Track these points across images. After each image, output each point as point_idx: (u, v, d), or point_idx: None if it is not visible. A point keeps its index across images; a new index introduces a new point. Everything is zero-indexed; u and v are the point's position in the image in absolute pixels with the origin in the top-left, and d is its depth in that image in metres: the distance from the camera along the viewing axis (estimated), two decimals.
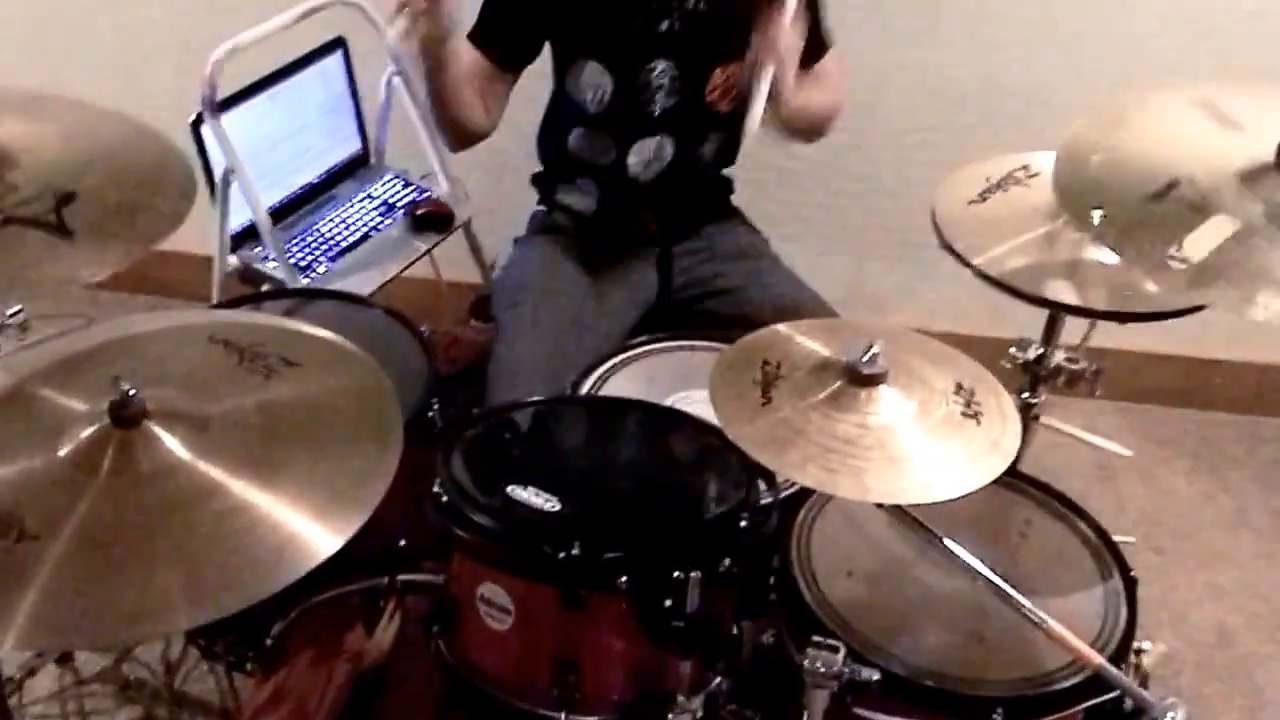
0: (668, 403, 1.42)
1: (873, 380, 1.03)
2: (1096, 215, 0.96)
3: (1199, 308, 1.31)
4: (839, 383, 1.04)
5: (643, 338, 1.60)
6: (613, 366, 1.53)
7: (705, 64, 1.68)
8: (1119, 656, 1.15)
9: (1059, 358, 1.49)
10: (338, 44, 1.94)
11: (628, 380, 1.51)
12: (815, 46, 1.72)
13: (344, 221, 1.95)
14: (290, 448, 1.09)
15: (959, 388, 1.07)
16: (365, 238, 1.93)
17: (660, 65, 1.67)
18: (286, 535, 1.00)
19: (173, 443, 1.05)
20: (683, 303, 1.80)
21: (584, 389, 1.48)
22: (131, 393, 1.06)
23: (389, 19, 1.47)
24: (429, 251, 1.97)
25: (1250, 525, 2.21)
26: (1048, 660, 1.16)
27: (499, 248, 2.14)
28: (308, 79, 1.90)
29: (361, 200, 2.01)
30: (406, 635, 1.35)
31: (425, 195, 2.02)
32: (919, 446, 1.02)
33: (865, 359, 1.02)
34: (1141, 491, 2.28)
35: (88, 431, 1.05)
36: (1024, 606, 1.05)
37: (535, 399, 1.35)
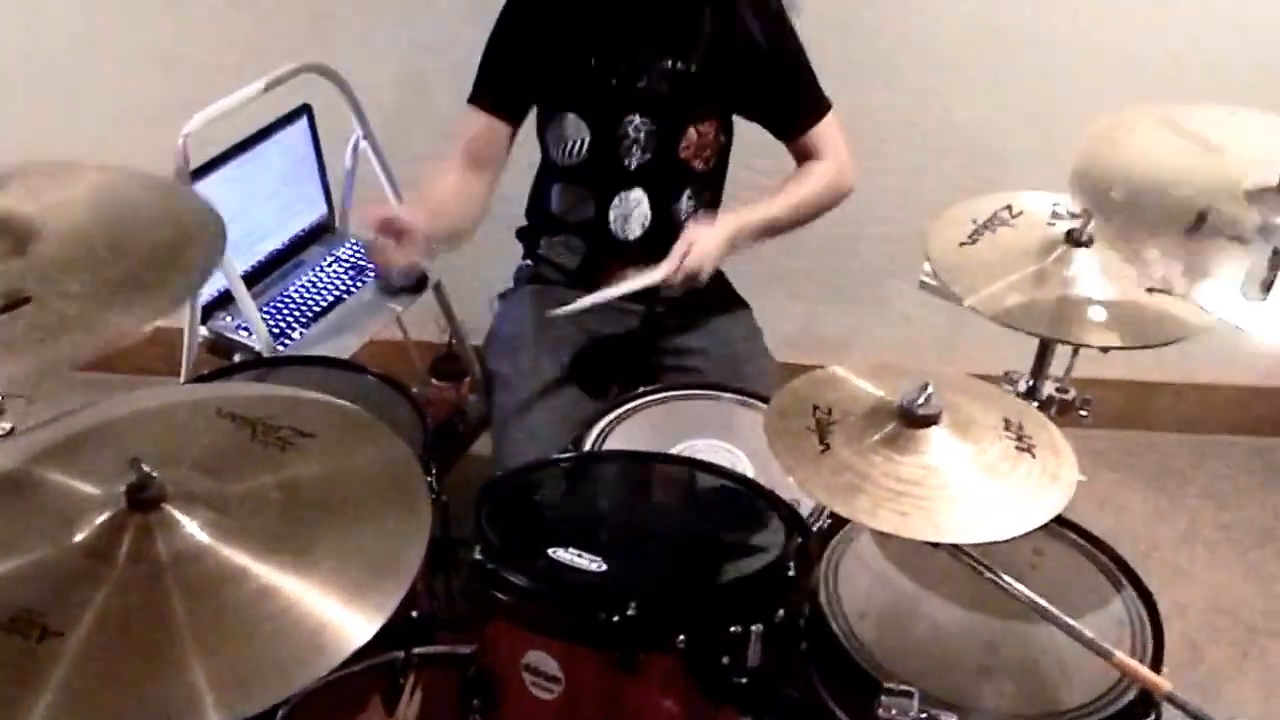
0: (674, 453, 1.42)
1: (927, 421, 1.05)
2: (1152, 253, 1.00)
3: (1192, 335, 1.38)
4: (893, 424, 1.06)
5: (638, 390, 1.59)
6: (613, 420, 1.53)
7: (680, 122, 1.71)
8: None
9: (1049, 388, 1.53)
10: (303, 110, 1.92)
11: (631, 433, 1.50)
12: (812, 107, 1.76)
13: (314, 286, 1.92)
14: (316, 525, 1.04)
15: (1007, 423, 1.09)
16: (337, 302, 1.90)
17: (636, 120, 1.69)
18: (322, 618, 0.94)
19: (193, 526, 0.99)
20: (662, 363, 1.80)
21: (588, 444, 1.47)
22: (152, 474, 1.01)
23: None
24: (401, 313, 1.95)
25: (1204, 541, 2.30)
26: (1062, 687, 1.19)
27: (466, 304, 2.13)
28: (274, 146, 1.88)
29: (330, 264, 1.98)
30: (431, 712, 1.30)
31: None
32: (983, 484, 1.04)
33: (920, 400, 1.04)
34: (1098, 515, 2.34)
35: (103, 517, 0.99)
36: (1091, 640, 1.06)
37: (555, 457, 1.33)
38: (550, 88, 1.70)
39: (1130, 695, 1.18)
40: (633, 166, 1.72)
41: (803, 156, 1.80)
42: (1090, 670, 1.19)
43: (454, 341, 2.20)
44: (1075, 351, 1.53)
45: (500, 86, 1.70)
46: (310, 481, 1.09)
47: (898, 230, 2.36)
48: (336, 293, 1.91)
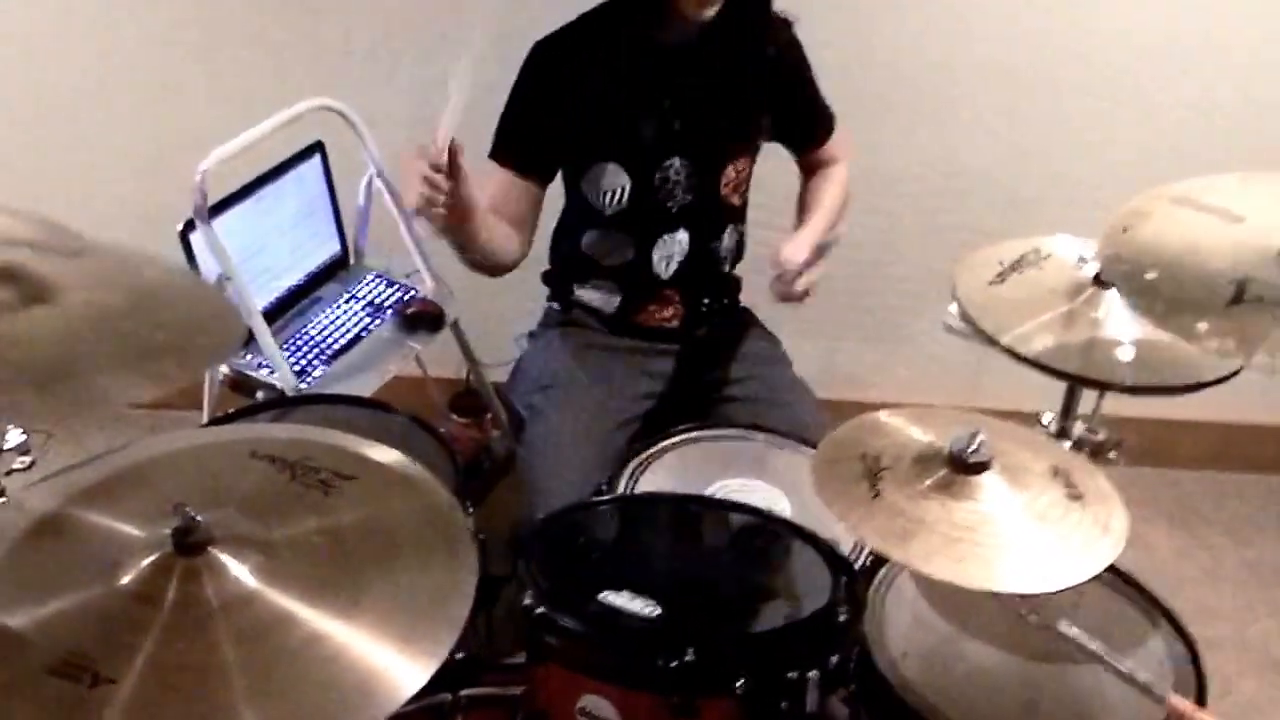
0: (708, 493, 1.41)
1: (979, 468, 1.04)
2: (1202, 326, 0.99)
3: (1224, 378, 1.39)
4: (944, 471, 1.05)
5: (672, 429, 1.59)
6: (645, 460, 1.52)
7: (719, 160, 1.71)
8: None
9: (1079, 429, 1.53)
10: (316, 148, 1.92)
11: (664, 473, 1.49)
12: (824, 122, 1.82)
13: (333, 324, 1.91)
14: (363, 570, 1.02)
15: (1055, 471, 1.08)
16: (357, 339, 1.89)
17: (676, 162, 1.68)
18: (372, 665, 0.93)
19: (240, 570, 0.98)
20: (699, 400, 1.80)
21: (621, 483, 1.46)
22: (198, 518, 1.00)
23: (413, 209, 1.47)
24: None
25: (1229, 578, 2.30)
26: None
27: (483, 341, 2.13)
28: (288, 183, 1.87)
29: (347, 301, 1.97)
30: None
31: (412, 294, 2.00)
32: (1037, 533, 1.03)
33: (972, 447, 1.03)
34: (1124, 552, 2.33)
35: (148, 560, 0.98)
36: (1146, 685, 1.05)
37: (597, 499, 1.32)
38: (585, 140, 1.68)
39: None
40: (675, 209, 1.71)
41: (814, 165, 1.85)
42: (1134, 710, 1.18)
43: (472, 378, 2.19)
44: (1102, 393, 1.53)
45: (526, 148, 1.68)
46: (355, 525, 1.08)
47: (919, 269, 2.38)
48: (356, 330, 1.90)
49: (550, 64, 1.65)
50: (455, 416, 2.26)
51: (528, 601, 1.08)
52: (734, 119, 1.70)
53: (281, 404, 1.67)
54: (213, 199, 1.69)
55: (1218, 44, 2.14)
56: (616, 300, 1.79)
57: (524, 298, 1.95)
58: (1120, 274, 1.10)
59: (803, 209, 1.81)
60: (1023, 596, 1.11)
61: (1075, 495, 1.05)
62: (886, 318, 2.45)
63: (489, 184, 1.66)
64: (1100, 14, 2.13)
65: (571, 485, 1.54)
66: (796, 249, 1.61)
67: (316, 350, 1.85)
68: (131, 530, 1.02)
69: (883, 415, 1.18)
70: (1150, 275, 1.08)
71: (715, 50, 1.64)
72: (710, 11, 1.58)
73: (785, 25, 1.71)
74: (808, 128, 1.82)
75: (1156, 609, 1.37)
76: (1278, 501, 2.51)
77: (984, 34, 2.16)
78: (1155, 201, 1.21)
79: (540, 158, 1.69)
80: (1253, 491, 2.53)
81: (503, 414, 2.19)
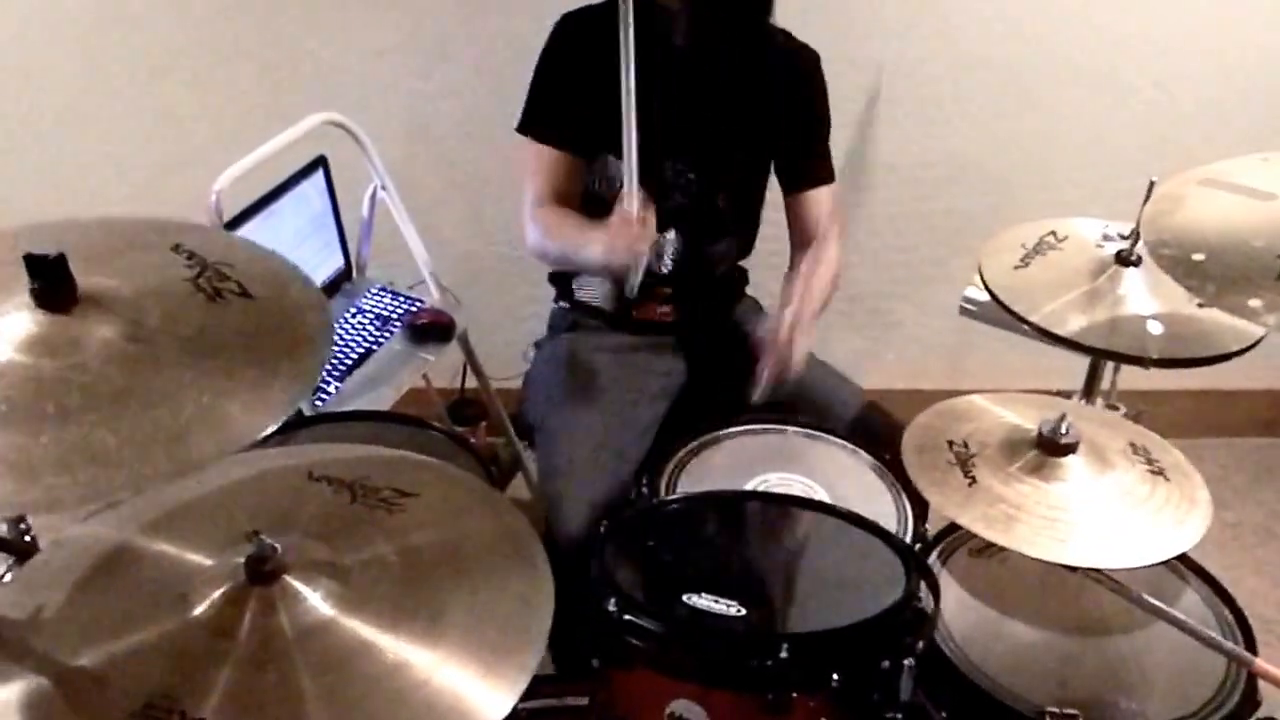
0: (749, 488, 1.42)
1: (1068, 449, 1.06)
2: (1256, 303, 1.01)
3: (1248, 348, 1.43)
4: (1032, 453, 1.07)
5: (702, 426, 1.58)
6: (683, 458, 1.52)
7: (722, 172, 1.71)
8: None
9: (1100, 406, 1.56)
10: (319, 163, 1.89)
11: (700, 474, 1.49)
12: (819, 171, 1.77)
13: (343, 340, 1.88)
14: (440, 590, 1.00)
15: (1134, 447, 1.11)
16: (368, 354, 1.86)
17: (679, 165, 1.68)
18: (459, 691, 0.91)
19: (315, 598, 0.96)
20: (711, 389, 1.80)
21: (662, 482, 1.46)
22: (274, 546, 0.98)
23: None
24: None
25: (1212, 540, 2.33)
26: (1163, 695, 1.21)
27: (485, 348, 2.11)
28: (294, 199, 1.83)
29: (354, 316, 1.94)
30: None
31: (419, 306, 1.97)
32: (1129, 509, 1.05)
33: (1062, 429, 1.05)
34: None
35: (220, 591, 0.95)
36: (1233, 650, 1.08)
37: (661, 500, 1.32)
38: (593, 126, 1.66)
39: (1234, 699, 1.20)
40: (671, 208, 1.70)
41: (797, 215, 1.79)
42: (1171, 675, 1.22)
43: (468, 387, 2.17)
44: (1117, 368, 1.57)
45: (562, 119, 1.67)
46: (425, 545, 1.06)
47: (905, 257, 2.41)
48: (365, 344, 1.87)
49: (577, 39, 1.65)
50: (453, 425, 2.23)
51: (611, 607, 1.07)
52: (736, 130, 1.69)
53: (301, 424, 1.63)
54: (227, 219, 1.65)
55: (1192, 31, 2.20)
56: (613, 296, 1.78)
57: (527, 303, 1.94)
58: (1168, 258, 1.12)
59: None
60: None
61: (1157, 470, 1.08)
62: (874, 305, 2.49)
63: (532, 162, 1.68)
64: (1079, 5, 2.18)
65: (595, 499, 1.53)
66: (789, 337, 1.56)
67: (329, 367, 1.81)
68: (200, 560, 0.99)
69: (963, 400, 1.19)
70: (1198, 257, 1.10)
71: (717, 59, 1.64)
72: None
73: (812, 56, 1.71)
74: (799, 165, 1.77)
75: (1183, 563, 1.40)
76: (1250, 465, 2.59)
77: (968, 27, 2.20)
78: (1185, 185, 1.24)
79: (574, 128, 1.67)
80: (1225, 456, 2.61)
81: (507, 423, 2.18)
